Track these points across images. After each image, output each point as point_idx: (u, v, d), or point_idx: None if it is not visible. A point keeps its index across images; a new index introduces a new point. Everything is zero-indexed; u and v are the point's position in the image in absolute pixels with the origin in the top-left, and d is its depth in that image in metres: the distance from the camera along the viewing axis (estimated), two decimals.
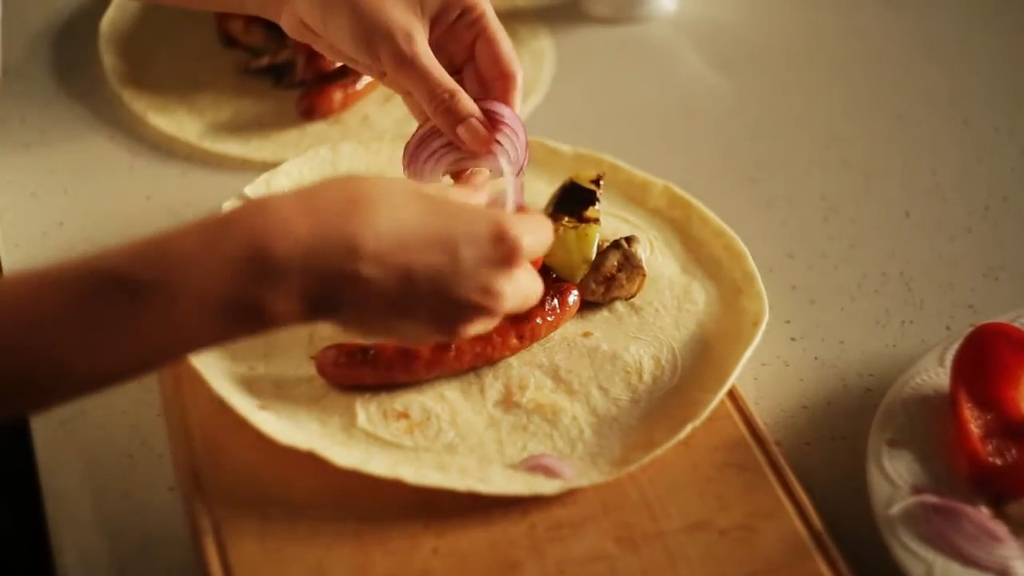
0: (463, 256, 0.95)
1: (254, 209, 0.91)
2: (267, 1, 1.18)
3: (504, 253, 0.97)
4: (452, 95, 1.11)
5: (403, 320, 0.96)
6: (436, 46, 1.15)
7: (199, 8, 1.36)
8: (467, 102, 1.12)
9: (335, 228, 0.91)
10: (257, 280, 0.88)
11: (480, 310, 0.97)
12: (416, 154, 1.15)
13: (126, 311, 0.86)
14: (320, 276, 0.90)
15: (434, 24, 1.14)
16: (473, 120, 1.12)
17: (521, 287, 1.00)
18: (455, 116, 1.12)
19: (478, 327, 1.00)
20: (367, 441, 1.09)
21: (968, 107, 1.53)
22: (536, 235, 1.01)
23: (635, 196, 1.32)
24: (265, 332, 0.92)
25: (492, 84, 1.15)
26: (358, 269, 0.91)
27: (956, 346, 1.14)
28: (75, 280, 0.86)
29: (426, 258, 0.94)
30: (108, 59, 1.53)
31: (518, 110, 1.15)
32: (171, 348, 0.90)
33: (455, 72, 1.17)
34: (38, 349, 0.85)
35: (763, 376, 1.20)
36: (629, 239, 1.22)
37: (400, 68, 1.12)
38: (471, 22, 1.15)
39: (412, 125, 1.19)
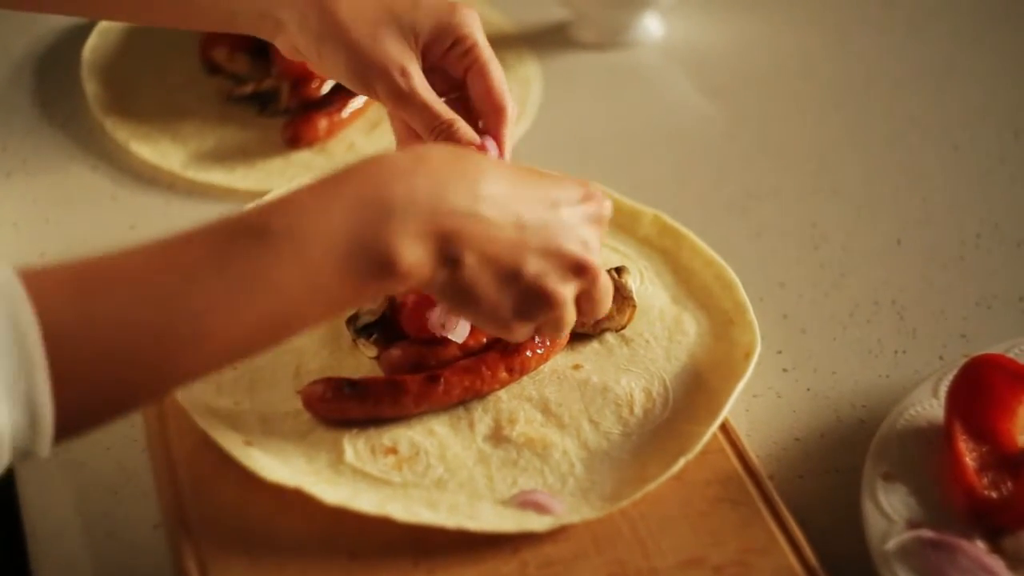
0: (563, 212, 1.01)
1: (370, 160, 0.94)
2: (262, 21, 1.16)
3: (595, 208, 1.04)
4: (451, 124, 1.11)
5: (509, 284, 0.98)
6: (428, 72, 1.14)
7: (188, 28, 1.34)
8: (467, 130, 1.12)
9: (452, 175, 0.95)
10: (380, 220, 0.90)
11: (581, 267, 1.01)
12: None
13: (260, 258, 0.87)
14: (445, 215, 0.93)
15: (426, 53, 1.14)
16: (474, 148, 1.11)
17: (601, 250, 1.05)
18: (455, 142, 1.11)
19: (574, 287, 1.02)
20: (355, 477, 1.08)
21: (958, 133, 1.52)
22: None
23: (624, 225, 1.31)
24: (398, 284, 0.92)
25: (484, 117, 1.15)
26: (479, 208, 0.95)
27: (950, 377, 1.13)
28: (208, 234, 0.88)
29: (535, 209, 0.98)
30: (90, 87, 1.51)
31: (509, 144, 1.15)
32: (308, 298, 0.90)
33: (447, 97, 1.16)
34: (178, 303, 0.85)
35: (755, 408, 1.18)
36: (619, 270, 1.21)
37: (397, 103, 1.12)
38: (463, 52, 1.14)
39: None
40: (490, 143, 1.13)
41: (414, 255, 0.91)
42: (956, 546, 1.02)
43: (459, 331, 1.13)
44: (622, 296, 1.19)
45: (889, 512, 1.05)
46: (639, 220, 1.31)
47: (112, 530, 1.08)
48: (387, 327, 1.16)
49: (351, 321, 1.17)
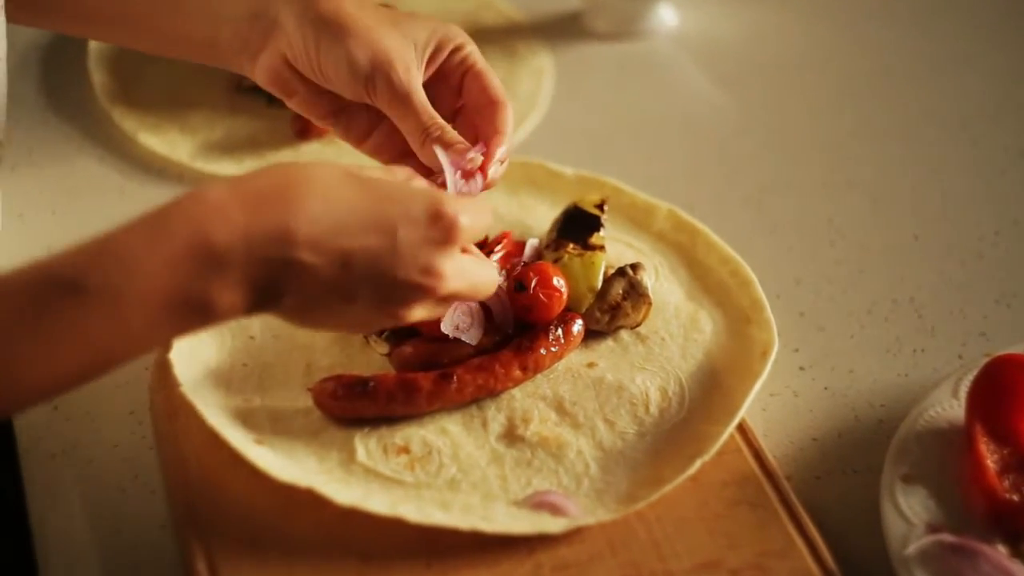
0: (401, 237, 0.95)
1: (190, 201, 0.91)
2: (240, 56, 1.15)
3: (442, 231, 0.97)
4: (443, 129, 1.10)
5: (345, 306, 0.96)
6: (427, 87, 1.13)
7: (167, 55, 1.30)
8: (456, 135, 1.10)
9: (270, 215, 0.91)
10: (200, 273, 0.89)
11: (422, 291, 0.98)
12: None
13: (73, 315, 0.87)
14: (260, 264, 0.91)
15: (428, 64, 1.13)
16: (459, 149, 1.09)
17: (466, 270, 1.00)
18: (443, 145, 1.09)
19: (422, 311, 1.00)
20: (367, 477, 1.06)
21: (976, 127, 1.50)
22: (474, 216, 1.00)
23: (639, 220, 1.29)
24: (211, 326, 0.92)
25: (482, 113, 1.13)
26: (295, 256, 0.92)
27: (970, 377, 1.12)
28: (23, 286, 0.87)
29: (363, 241, 0.94)
30: (98, 77, 1.50)
31: (509, 137, 1.13)
32: (121, 348, 0.90)
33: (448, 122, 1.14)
34: None
35: (772, 407, 1.17)
36: (634, 266, 1.19)
37: (394, 100, 1.10)
38: (461, 59, 1.14)
39: None
40: (477, 152, 1.11)
41: (230, 301, 0.91)
42: (977, 550, 1.00)
43: (472, 333, 1.12)
44: (638, 293, 1.18)
45: (909, 515, 1.03)
46: (654, 215, 1.29)
47: (119, 528, 1.07)
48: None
49: None
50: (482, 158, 1.09)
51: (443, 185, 1.08)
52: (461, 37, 1.14)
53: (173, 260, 0.88)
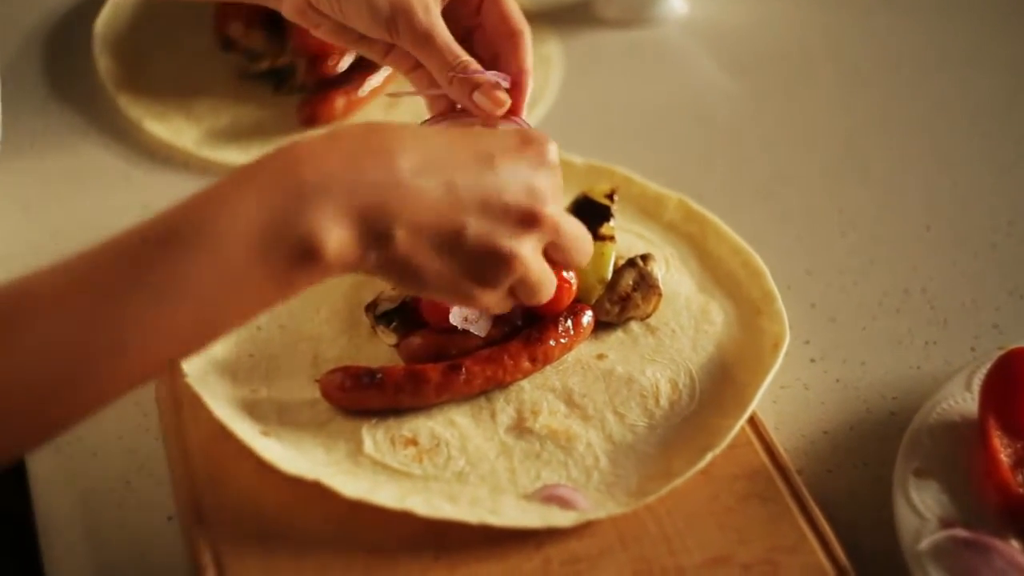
0: (499, 162, 0.95)
1: (282, 147, 0.90)
2: None
3: (537, 153, 0.98)
4: (467, 64, 1.08)
5: (456, 242, 0.93)
6: (445, 14, 1.12)
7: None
8: (481, 68, 1.09)
9: (369, 147, 0.91)
10: (293, 204, 0.86)
11: (530, 217, 0.96)
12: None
13: (174, 263, 0.84)
14: (366, 189, 0.89)
15: None
16: (487, 85, 1.08)
17: (559, 191, 0.99)
18: (471, 83, 1.08)
19: (529, 246, 0.97)
20: (374, 469, 1.05)
21: (987, 119, 1.49)
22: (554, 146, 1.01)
23: (649, 210, 1.28)
24: (326, 271, 0.89)
25: (500, 43, 1.12)
26: (401, 177, 0.90)
27: (983, 370, 1.11)
28: (120, 245, 0.85)
29: (465, 167, 0.94)
30: (103, 62, 1.48)
31: (529, 64, 1.12)
32: (229, 301, 0.87)
33: (462, 40, 1.13)
34: (97, 322, 0.82)
35: (783, 399, 1.16)
36: (645, 257, 1.18)
37: (417, 40, 1.08)
38: None
39: None
40: (501, 80, 1.09)
41: (338, 238, 0.88)
42: (990, 546, 0.99)
43: (481, 325, 1.11)
44: (648, 284, 1.16)
45: (921, 510, 1.02)
46: (664, 205, 1.28)
47: (124, 521, 1.06)
48: (407, 314, 1.14)
49: (370, 308, 1.15)
50: (507, 97, 1.08)
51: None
52: None
53: (265, 195, 0.86)
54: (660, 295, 1.17)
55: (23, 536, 1.07)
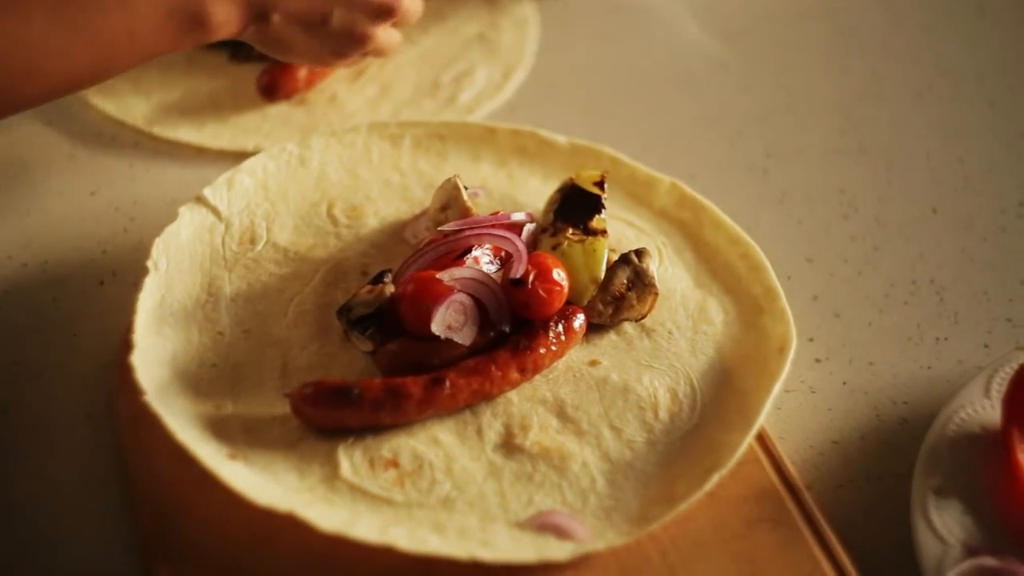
0: None
1: None
2: None
3: None
4: None
5: (321, 32, 1.14)
6: None
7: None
8: None
9: None
10: None
11: (385, 9, 1.15)
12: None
13: (91, 9, 1.05)
14: None
15: None
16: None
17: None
18: None
19: (383, 26, 1.17)
20: (352, 496, 0.97)
21: (993, 86, 1.41)
22: None
23: (639, 195, 1.19)
24: (210, 36, 1.11)
25: None
26: None
27: (1002, 374, 1.04)
28: None
29: None
30: None
31: None
32: (128, 49, 1.08)
33: None
34: (15, 41, 1.02)
35: (787, 405, 1.08)
36: (639, 253, 1.09)
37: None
38: None
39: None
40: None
41: (224, 13, 1.11)
42: (1019, 574, 0.92)
43: (465, 333, 1.02)
44: (643, 283, 1.08)
45: (943, 533, 0.95)
46: (655, 189, 1.19)
47: (76, 553, 0.97)
48: (384, 320, 1.04)
49: (343, 312, 1.05)
50: None
51: None
52: None
53: None
54: (656, 294, 1.09)
55: None
